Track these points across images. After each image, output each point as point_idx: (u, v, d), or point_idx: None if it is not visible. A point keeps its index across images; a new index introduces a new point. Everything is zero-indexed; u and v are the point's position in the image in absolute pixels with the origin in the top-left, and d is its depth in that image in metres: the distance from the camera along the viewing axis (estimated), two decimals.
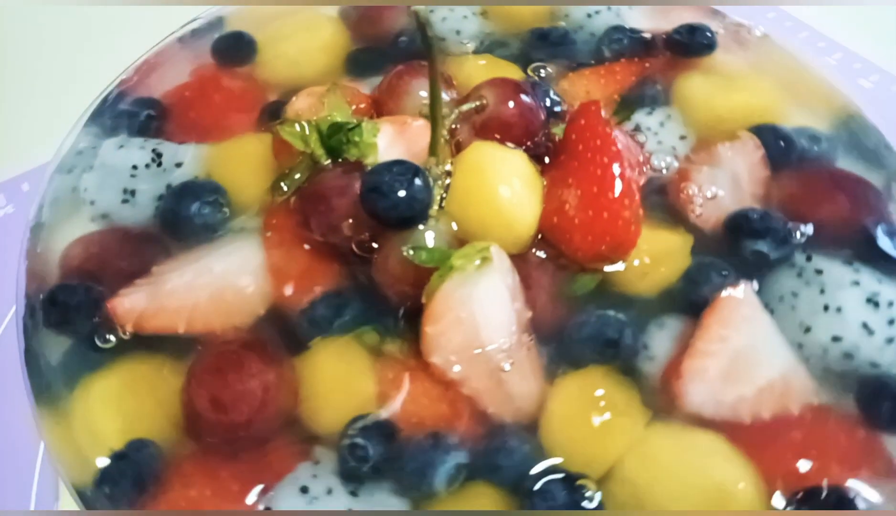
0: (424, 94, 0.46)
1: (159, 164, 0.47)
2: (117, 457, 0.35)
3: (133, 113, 0.50)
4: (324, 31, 0.56)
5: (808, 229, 0.43)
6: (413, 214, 0.39)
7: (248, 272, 0.42)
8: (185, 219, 0.44)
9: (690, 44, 0.54)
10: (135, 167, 0.46)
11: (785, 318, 0.40)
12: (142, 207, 0.45)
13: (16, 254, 0.44)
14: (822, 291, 0.40)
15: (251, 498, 0.34)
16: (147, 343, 0.39)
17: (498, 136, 0.43)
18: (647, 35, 0.55)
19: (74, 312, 0.39)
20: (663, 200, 0.45)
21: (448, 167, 0.41)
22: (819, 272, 0.41)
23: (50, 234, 0.45)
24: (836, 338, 0.39)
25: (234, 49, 0.55)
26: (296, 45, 0.55)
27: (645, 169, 0.46)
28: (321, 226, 0.41)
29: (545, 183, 0.42)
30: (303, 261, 0.42)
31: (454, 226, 0.40)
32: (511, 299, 0.38)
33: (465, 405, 0.37)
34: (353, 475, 0.35)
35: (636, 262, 0.41)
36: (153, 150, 0.47)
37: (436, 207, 0.40)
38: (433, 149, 0.41)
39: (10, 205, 0.70)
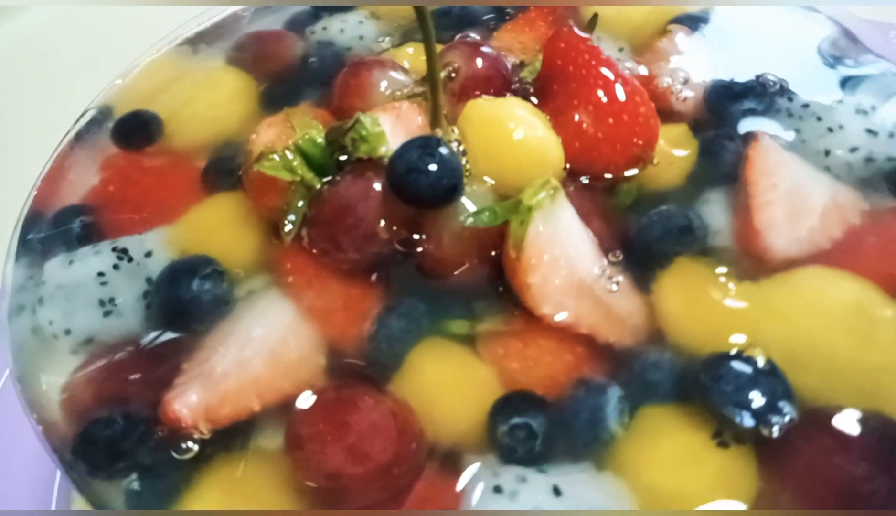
0: (386, 83, 0.44)
1: (130, 260, 0.40)
2: None
3: (64, 227, 0.43)
4: (225, 83, 0.52)
5: (773, 78, 0.46)
6: (457, 182, 0.36)
7: (289, 325, 0.37)
8: (191, 300, 0.38)
9: None
10: (101, 273, 0.39)
11: (802, 153, 0.42)
12: (130, 312, 0.38)
13: None
14: (819, 118, 0.43)
15: None
16: (224, 442, 0.33)
17: (479, 93, 0.42)
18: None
19: (125, 441, 0.32)
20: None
21: (455, 135, 0.39)
22: (805, 106, 0.44)
23: (36, 387, 0.36)
24: (853, 149, 0.41)
25: (138, 129, 0.49)
26: (203, 104, 0.50)
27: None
28: (355, 240, 0.38)
29: (548, 117, 0.41)
30: (340, 291, 0.38)
31: (489, 181, 0.38)
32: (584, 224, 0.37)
33: (585, 347, 0.35)
34: (529, 457, 0.31)
35: (656, 162, 0.42)
36: (113, 249, 0.40)
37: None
38: (435, 122, 0.39)
39: None
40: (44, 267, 0.41)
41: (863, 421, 0.31)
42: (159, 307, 0.38)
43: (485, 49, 0.44)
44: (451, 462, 0.32)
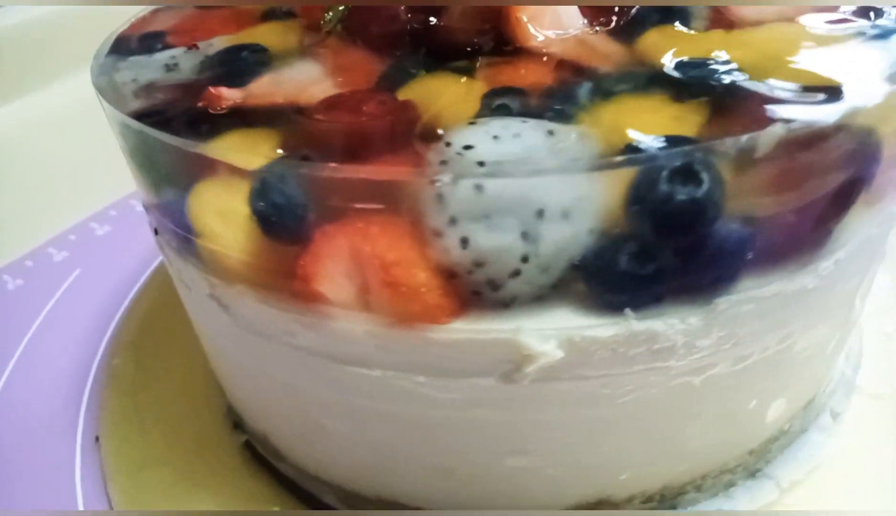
0: None
1: (196, 49, 0.48)
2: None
3: (148, 41, 0.52)
4: None
5: None
6: None
7: (317, 72, 0.43)
8: (237, 60, 0.45)
9: None
10: (172, 57, 0.48)
11: None
12: (188, 71, 0.46)
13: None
14: None
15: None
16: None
17: None
18: None
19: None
20: None
21: None
22: None
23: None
24: None
25: None
26: None
27: None
28: (380, 18, 0.44)
29: None
30: (360, 57, 0.44)
31: None
32: None
33: (570, 70, 0.39)
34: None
35: None
36: (186, 47, 0.49)
37: None
38: None
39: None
40: (128, 57, 0.49)
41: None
42: (211, 67, 0.45)
43: None
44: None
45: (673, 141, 0.30)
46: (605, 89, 0.37)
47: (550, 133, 0.32)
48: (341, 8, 0.47)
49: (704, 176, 0.29)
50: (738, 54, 0.38)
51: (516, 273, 0.31)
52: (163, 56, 0.48)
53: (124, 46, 0.51)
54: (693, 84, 0.35)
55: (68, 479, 0.51)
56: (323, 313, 0.35)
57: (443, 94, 0.39)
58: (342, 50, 0.46)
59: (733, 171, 0.30)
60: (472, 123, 0.34)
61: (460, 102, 0.38)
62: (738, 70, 0.36)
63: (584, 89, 0.37)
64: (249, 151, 0.34)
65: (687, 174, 0.29)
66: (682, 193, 0.28)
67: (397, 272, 0.31)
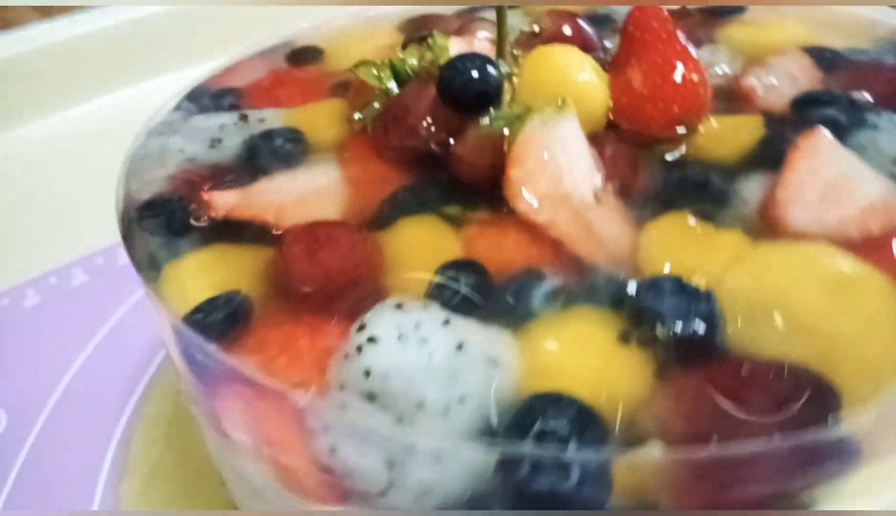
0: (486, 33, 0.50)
1: (245, 120, 0.50)
2: (210, 301, 0.35)
3: (217, 98, 0.55)
4: (386, 33, 0.62)
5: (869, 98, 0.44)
6: (487, 89, 0.40)
7: (329, 181, 0.43)
8: (268, 150, 0.46)
9: (721, 8, 0.59)
10: (222, 126, 0.50)
11: (870, 160, 0.39)
12: (228, 150, 0.48)
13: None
14: None
15: (340, 327, 0.33)
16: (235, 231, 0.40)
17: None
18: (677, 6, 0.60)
19: (168, 204, 0.41)
20: (726, 97, 0.46)
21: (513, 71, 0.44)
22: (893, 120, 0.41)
23: (141, 173, 0.47)
24: None
25: (304, 54, 0.61)
26: (360, 46, 0.61)
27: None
28: (400, 130, 0.43)
29: (609, 77, 0.44)
30: (379, 170, 0.44)
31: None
32: (590, 154, 0.39)
33: (555, 249, 0.36)
34: (446, 305, 0.33)
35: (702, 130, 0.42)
36: (239, 114, 0.51)
37: (508, 98, 0.42)
38: (499, 52, 0.44)
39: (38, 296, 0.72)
40: (190, 118, 0.53)
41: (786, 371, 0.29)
42: (247, 147, 0.47)
43: (580, 21, 0.48)
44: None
45: (583, 417, 0.27)
46: (566, 296, 0.33)
47: (459, 348, 0.30)
48: (376, 105, 0.47)
49: (576, 473, 0.25)
50: (737, 283, 0.32)
51: (383, 494, 0.29)
52: (216, 122, 0.50)
53: (197, 97, 0.55)
54: (654, 320, 0.31)
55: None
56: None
57: (414, 250, 0.38)
58: (369, 154, 0.45)
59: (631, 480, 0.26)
60: (398, 306, 0.32)
61: (421, 265, 0.36)
62: (716, 317, 0.31)
63: (544, 290, 0.34)
64: (183, 295, 0.35)
65: (557, 468, 0.25)
66: (542, 485, 0.25)
67: (280, 453, 0.31)
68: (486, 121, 0.40)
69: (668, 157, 0.41)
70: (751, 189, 0.39)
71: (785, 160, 0.38)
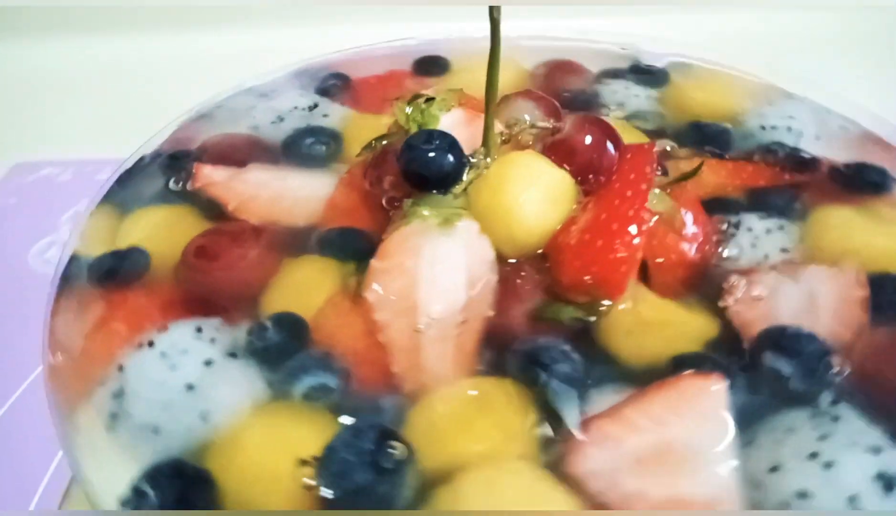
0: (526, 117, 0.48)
1: (311, 110, 0.56)
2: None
3: (324, 80, 0.61)
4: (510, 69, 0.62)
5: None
6: (431, 175, 0.41)
7: (312, 195, 0.47)
8: (301, 144, 0.52)
9: (855, 178, 0.47)
10: (294, 108, 0.57)
11: (760, 448, 0.32)
12: (281, 132, 0.54)
13: None
14: (823, 438, 0.31)
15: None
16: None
17: (555, 159, 0.43)
18: (809, 156, 0.49)
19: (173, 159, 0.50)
20: (703, 281, 0.40)
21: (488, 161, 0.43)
22: (835, 419, 0.32)
23: (216, 119, 0.56)
24: (802, 494, 0.30)
25: (431, 64, 0.64)
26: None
27: (704, 247, 0.41)
28: (370, 176, 0.46)
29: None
30: (353, 202, 0.46)
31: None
32: (466, 281, 0.37)
33: (378, 355, 0.37)
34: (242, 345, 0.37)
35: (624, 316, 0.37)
36: (314, 102, 0.57)
37: (460, 189, 0.42)
38: (484, 141, 0.43)
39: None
40: (286, 91, 0.60)
41: None
42: (289, 138, 0.53)
43: (606, 136, 0.44)
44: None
45: None
46: (327, 395, 0.35)
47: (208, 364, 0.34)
48: (384, 142, 0.49)
49: None
50: None
51: None
52: (295, 103, 0.57)
53: (306, 73, 0.62)
54: None
55: None
56: None
57: (288, 288, 0.41)
58: (359, 184, 0.48)
59: None
60: (198, 329, 0.37)
61: (276, 303, 0.39)
62: None
63: (313, 381, 0.35)
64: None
65: None
66: None
67: None
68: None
69: (564, 319, 0.38)
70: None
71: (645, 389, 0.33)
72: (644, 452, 0.31)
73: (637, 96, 0.58)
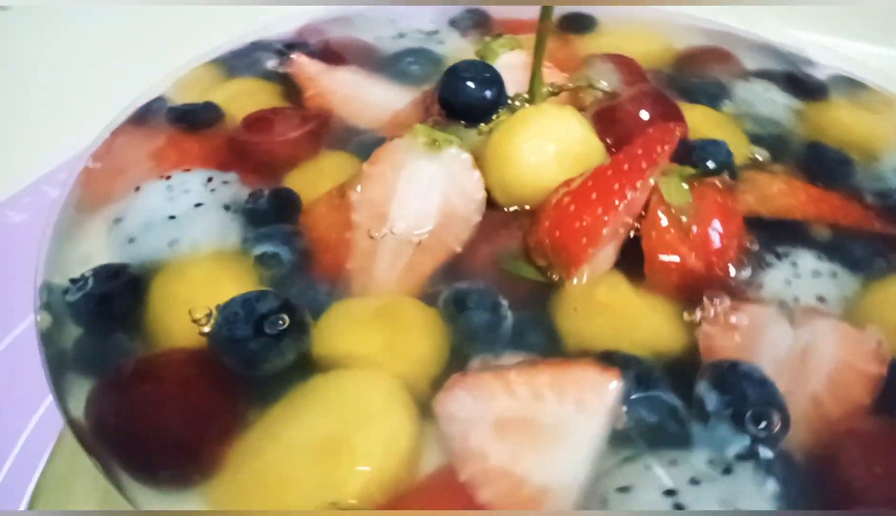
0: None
1: (430, 35, 0.58)
2: None
3: (462, 11, 0.62)
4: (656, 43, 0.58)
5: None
6: (458, 104, 0.41)
7: (384, 105, 0.49)
8: (400, 62, 0.54)
9: None
10: (419, 29, 0.59)
11: (626, 465, 0.28)
12: (395, 47, 0.57)
13: None
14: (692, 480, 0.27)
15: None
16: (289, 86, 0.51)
17: (600, 128, 0.40)
18: None
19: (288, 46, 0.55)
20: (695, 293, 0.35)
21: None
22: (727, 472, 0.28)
23: None
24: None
25: (576, 21, 0.61)
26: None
27: (712, 259, 0.36)
28: (427, 98, 0.46)
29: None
30: (411, 120, 0.46)
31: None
32: (439, 208, 0.37)
33: (342, 250, 0.38)
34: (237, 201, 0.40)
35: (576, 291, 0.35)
36: (437, 28, 0.59)
37: (487, 127, 0.41)
38: (530, 88, 0.41)
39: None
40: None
41: None
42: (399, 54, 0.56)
43: (662, 110, 0.40)
44: None
45: None
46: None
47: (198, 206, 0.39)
48: None
49: None
50: None
51: None
52: (422, 25, 0.59)
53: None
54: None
55: None
56: None
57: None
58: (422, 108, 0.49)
59: None
60: (209, 179, 0.41)
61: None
62: None
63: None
64: None
65: None
66: None
67: None
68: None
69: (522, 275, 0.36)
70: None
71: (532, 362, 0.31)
72: (508, 417, 0.29)
73: (773, 101, 0.51)
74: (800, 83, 0.53)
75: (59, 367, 0.32)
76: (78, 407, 0.31)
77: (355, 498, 0.27)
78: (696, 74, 0.54)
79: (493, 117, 0.41)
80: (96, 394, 0.31)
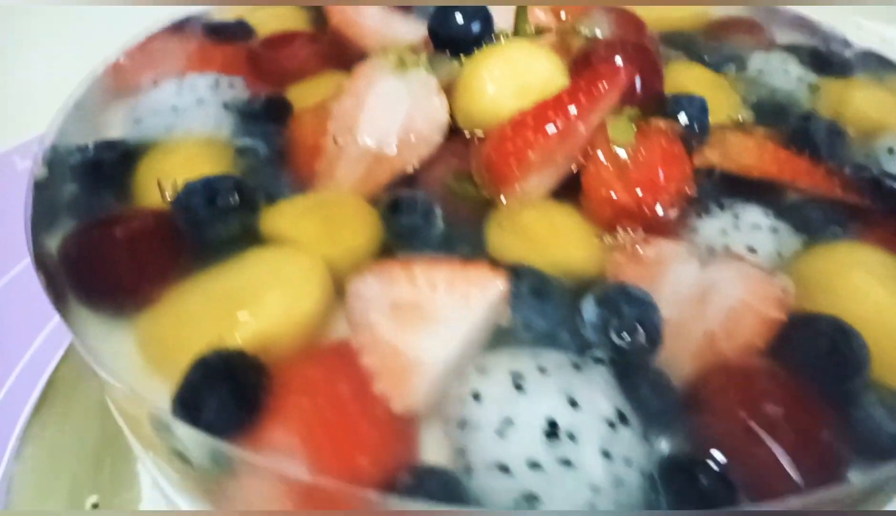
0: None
1: None
2: None
3: None
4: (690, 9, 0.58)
5: None
6: (441, 33, 0.43)
7: (401, 39, 0.53)
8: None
9: None
10: None
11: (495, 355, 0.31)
12: None
13: None
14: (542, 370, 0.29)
15: None
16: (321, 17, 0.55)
17: (574, 71, 0.42)
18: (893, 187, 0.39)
19: None
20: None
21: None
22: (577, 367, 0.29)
23: None
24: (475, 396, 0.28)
25: None
26: None
27: (644, 199, 0.37)
28: None
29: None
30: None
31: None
32: (402, 126, 0.40)
33: (316, 154, 0.42)
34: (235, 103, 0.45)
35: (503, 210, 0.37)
36: None
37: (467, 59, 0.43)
38: (514, 26, 0.43)
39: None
40: None
41: None
42: None
43: (642, 62, 0.41)
44: None
45: None
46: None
47: (200, 102, 0.44)
48: None
49: None
50: None
51: None
52: None
53: None
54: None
55: None
56: None
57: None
58: None
59: None
60: (216, 82, 0.46)
61: None
62: None
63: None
64: None
65: None
66: None
67: None
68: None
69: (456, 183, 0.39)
70: None
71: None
72: (403, 300, 0.32)
73: (787, 73, 0.50)
74: (822, 58, 0.51)
75: (44, 212, 0.38)
76: (52, 245, 0.36)
77: (247, 342, 0.31)
78: (718, 40, 0.54)
79: (475, 51, 0.43)
80: (70, 235, 0.36)
